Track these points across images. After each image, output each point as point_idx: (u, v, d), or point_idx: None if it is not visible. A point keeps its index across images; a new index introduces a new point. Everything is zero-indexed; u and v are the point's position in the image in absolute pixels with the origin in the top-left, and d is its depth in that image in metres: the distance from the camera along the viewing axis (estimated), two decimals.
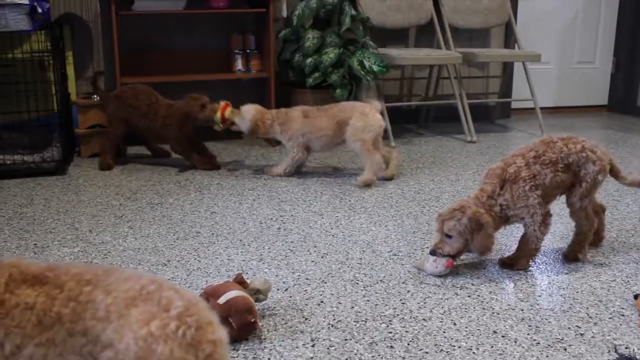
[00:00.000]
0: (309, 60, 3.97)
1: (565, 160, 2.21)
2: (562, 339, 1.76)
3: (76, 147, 3.92)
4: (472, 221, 2.11)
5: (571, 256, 2.32)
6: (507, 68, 5.14)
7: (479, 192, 2.20)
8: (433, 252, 2.17)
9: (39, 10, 3.39)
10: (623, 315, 1.90)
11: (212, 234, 2.57)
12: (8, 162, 3.47)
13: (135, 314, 0.94)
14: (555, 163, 2.20)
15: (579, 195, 2.24)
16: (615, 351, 1.69)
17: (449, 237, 2.15)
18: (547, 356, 1.67)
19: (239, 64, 4.23)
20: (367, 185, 3.20)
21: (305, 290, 2.05)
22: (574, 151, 2.23)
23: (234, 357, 1.65)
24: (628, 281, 2.13)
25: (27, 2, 3.28)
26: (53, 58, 3.52)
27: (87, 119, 3.79)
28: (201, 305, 1.00)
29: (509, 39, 5.08)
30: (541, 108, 5.01)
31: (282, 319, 1.86)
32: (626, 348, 1.71)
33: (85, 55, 4.14)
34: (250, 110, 3.37)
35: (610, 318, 1.88)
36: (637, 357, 1.64)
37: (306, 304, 1.96)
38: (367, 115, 3.23)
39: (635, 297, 1.95)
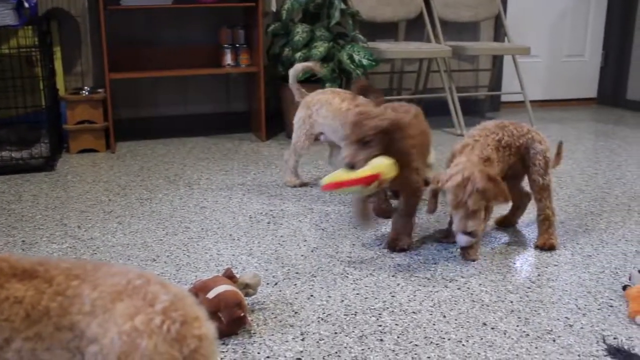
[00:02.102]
0: (298, 54, 3.96)
1: (517, 143, 2.33)
2: (551, 330, 1.76)
3: (64, 143, 3.91)
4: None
5: (547, 245, 2.35)
6: (497, 61, 5.15)
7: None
8: (467, 233, 2.17)
9: (26, 5, 3.36)
10: (612, 306, 1.90)
11: (202, 228, 2.56)
12: None
13: (120, 308, 0.93)
14: (510, 146, 2.32)
15: (536, 173, 2.34)
16: (604, 342, 1.69)
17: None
18: (536, 347, 1.68)
19: (228, 59, 4.21)
20: None
21: (295, 285, 2.05)
22: (522, 133, 2.35)
23: (223, 351, 1.65)
24: (617, 272, 2.14)
25: None
26: (41, 53, 3.50)
27: (75, 115, 3.78)
28: (188, 300, 0.99)
29: (499, 33, 5.08)
30: (531, 101, 5.02)
31: (272, 313, 1.86)
32: (614, 339, 1.72)
33: (73, 51, 4.12)
34: None
35: (599, 309, 1.89)
36: (625, 347, 1.64)
37: (296, 298, 1.95)
38: None
39: (624, 288, 1.95)
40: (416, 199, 2.34)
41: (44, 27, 3.64)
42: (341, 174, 2.11)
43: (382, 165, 2.09)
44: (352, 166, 2.12)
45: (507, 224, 2.62)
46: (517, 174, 2.44)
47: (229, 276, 1.81)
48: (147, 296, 0.95)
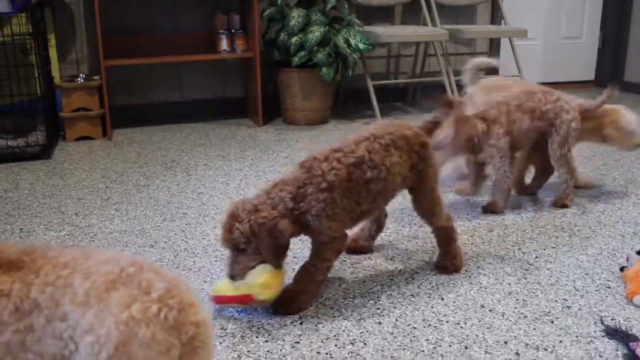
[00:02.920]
0: (294, 39, 3.94)
1: (543, 107, 2.48)
2: (549, 312, 1.77)
3: (61, 131, 3.89)
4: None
5: (559, 203, 2.59)
6: (494, 44, 5.13)
7: None
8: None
9: None
10: (609, 288, 1.90)
11: (199, 214, 2.56)
12: None
13: (116, 297, 0.92)
14: (534, 111, 2.47)
15: (557, 143, 2.50)
16: (602, 323, 1.70)
17: None
18: (534, 329, 1.68)
19: (224, 44, 4.20)
20: None
21: (293, 269, 2.04)
22: (551, 100, 2.51)
23: (222, 336, 1.65)
24: (614, 254, 2.14)
25: None
26: (35, 41, 3.48)
27: (71, 102, 3.76)
28: (183, 286, 0.98)
29: (496, 15, 5.06)
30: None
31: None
32: (612, 319, 1.72)
33: (67, 38, 4.10)
34: None
35: (596, 290, 1.89)
36: (623, 328, 1.65)
37: None
38: None
39: (621, 269, 1.96)
40: (329, 251, 1.78)
41: (37, 14, 3.61)
42: (226, 285, 1.75)
43: (254, 285, 1.70)
44: (231, 277, 1.72)
45: (528, 191, 2.73)
46: (545, 140, 2.55)
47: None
48: (142, 284, 0.94)
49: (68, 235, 2.36)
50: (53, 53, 3.98)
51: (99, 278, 0.95)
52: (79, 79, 3.88)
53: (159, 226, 2.44)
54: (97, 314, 0.91)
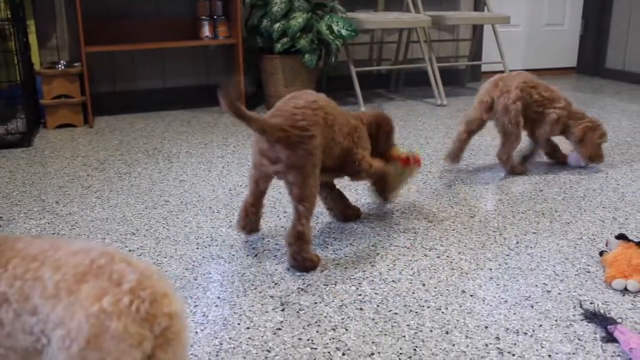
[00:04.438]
0: (277, 25, 3.92)
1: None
2: (529, 297, 1.78)
3: (41, 119, 3.86)
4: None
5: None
6: (477, 31, 5.13)
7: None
8: None
9: None
10: (589, 272, 1.92)
11: (181, 202, 2.55)
12: None
13: (86, 290, 0.91)
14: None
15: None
16: (581, 306, 1.71)
17: None
18: (514, 313, 1.69)
19: (206, 31, 4.17)
20: None
21: (275, 256, 2.05)
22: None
23: (203, 323, 1.65)
24: (594, 239, 2.16)
25: None
26: (14, 27, 3.44)
27: (51, 89, 3.73)
28: (155, 277, 0.97)
29: (479, 2, 5.07)
30: (511, 71, 5.02)
31: (252, 285, 1.86)
32: (591, 303, 1.74)
33: (47, 24, 4.05)
34: None
35: (576, 275, 1.91)
36: (601, 311, 1.67)
37: (276, 269, 1.96)
38: None
39: (601, 254, 1.97)
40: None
41: None
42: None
43: None
44: None
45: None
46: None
47: None
48: (112, 276, 0.92)
49: (48, 223, 2.34)
50: (33, 39, 3.94)
51: (69, 270, 0.93)
52: (60, 65, 3.85)
53: (140, 214, 2.43)
54: (67, 307, 0.90)
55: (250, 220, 2.11)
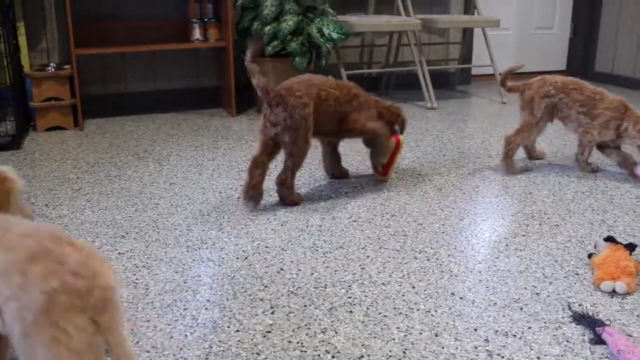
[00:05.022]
0: (267, 28, 3.93)
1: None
2: (519, 299, 1.79)
3: (31, 121, 3.84)
4: None
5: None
6: (467, 34, 5.15)
7: None
8: None
9: None
10: (577, 274, 1.93)
11: (171, 205, 2.54)
12: None
13: (36, 270, 1.06)
14: None
15: None
16: (569, 309, 1.72)
17: None
18: (503, 316, 1.70)
19: (197, 34, 4.16)
20: None
21: (265, 259, 2.05)
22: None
23: (192, 326, 1.65)
24: (583, 241, 2.17)
25: None
26: (3, 29, 3.42)
27: (41, 92, 3.71)
28: (96, 258, 1.12)
29: (469, 5, 5.08)
30: (501, 74, 5.04)
31: (242, 287, 1.86)
32: (579, 305, 1.75)
33: (37, 26, 4.04)
34: None
35: (565, 277, 1.92)
36: (590, 313, 1.67)
37: (266, 272, 1.96)
38: None
39: (589, 256, 1.99)
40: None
41: (6, 1, 3.56)
42: None
43: None
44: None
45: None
46: None
47: None
48: (59, 258, 1.08)
49: None
50: (22, 41, 3.93)
51: (21, 252, 1.08)
52: (50, 68, 3.83)
53: (130, 217, 2.42)
54: (20, 285, 1.06)
55: (255, 176, 2.46)
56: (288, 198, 2.52)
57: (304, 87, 2.45)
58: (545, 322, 1.66)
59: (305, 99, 2.43)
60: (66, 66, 3.89)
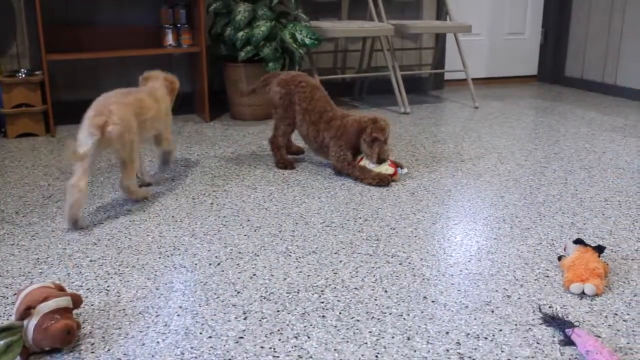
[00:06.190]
0: (240, 33, 3.92)
1: None
2: (490, 302, 1.80)
3: (2, 128, 3.80)
4: None
5: None
6: (440, 40, 5.19)
7: None
8: None
9: None
10: (548, 277, 1.95)
11: (144, 211, 2.53)
12: None
13: None
14: None
15: None
16: (540, 311, 1.74)
17: None
18: (475, 319, 1.71)
19: (170, 39, 4.15)
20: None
21: (238, 264, 2.05)
22: None
23: (164, 333, 1.64)
24: (553, 244, 2.20)
25: None
26: None
27: (12, 98, 3.67)
28: None
29: (441, 11, 5.13)
30: (473, 79, 5.09)
31: (214, 293, 1.85)
32: (550, 307, 1.77)
33: (7, 31, 3.99)
34: None
35: (535, 280, 1.94)
36: (560, 315, 1.69)
37: (238, 278, 1.95)
38: None
39: (559, 258, 2.01)
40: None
41: None
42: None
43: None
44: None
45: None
46: None
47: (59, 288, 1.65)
48: None
49: (8, 234, 2.30)
50: None
51: None
52: (20, 74, 3.80)
53: (102, 223, 2.40)
54: None
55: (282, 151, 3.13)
56: (279, 162, 3.09)
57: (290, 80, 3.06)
58: (516, 325, 1.68)
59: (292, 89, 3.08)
60: (37, 72, 3.85)
